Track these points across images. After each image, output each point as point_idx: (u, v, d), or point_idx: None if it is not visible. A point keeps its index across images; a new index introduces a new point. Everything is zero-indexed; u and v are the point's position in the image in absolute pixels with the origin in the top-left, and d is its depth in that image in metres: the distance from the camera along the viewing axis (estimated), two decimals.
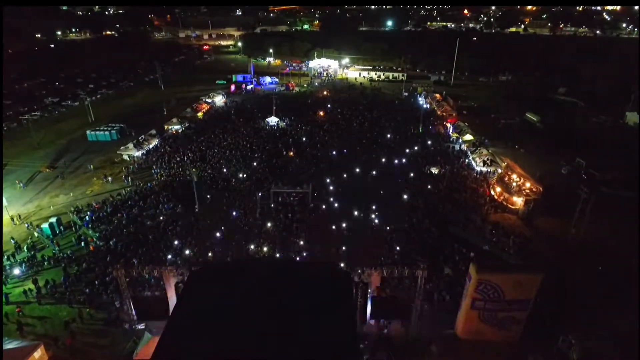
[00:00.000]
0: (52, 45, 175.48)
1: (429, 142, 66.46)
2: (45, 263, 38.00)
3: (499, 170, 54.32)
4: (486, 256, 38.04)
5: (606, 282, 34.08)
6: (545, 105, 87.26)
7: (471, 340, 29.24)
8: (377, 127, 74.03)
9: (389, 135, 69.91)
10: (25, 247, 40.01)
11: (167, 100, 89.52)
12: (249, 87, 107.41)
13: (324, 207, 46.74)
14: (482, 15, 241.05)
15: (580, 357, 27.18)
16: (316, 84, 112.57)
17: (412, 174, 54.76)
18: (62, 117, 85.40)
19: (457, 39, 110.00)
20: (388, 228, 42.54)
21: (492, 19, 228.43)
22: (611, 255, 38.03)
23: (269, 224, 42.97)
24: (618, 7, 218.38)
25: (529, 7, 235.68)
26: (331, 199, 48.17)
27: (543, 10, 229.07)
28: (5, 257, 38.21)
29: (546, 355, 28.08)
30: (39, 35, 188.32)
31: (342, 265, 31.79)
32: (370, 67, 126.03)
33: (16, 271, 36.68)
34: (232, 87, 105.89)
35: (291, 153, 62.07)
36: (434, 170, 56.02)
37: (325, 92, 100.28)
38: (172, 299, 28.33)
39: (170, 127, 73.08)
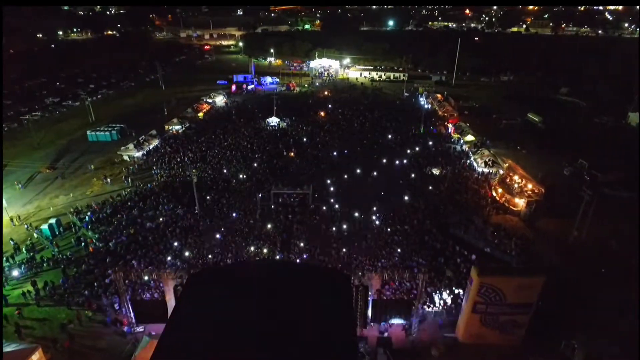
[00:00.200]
0: (53, 45, 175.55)
1: (430, 143, 66.20)
2: (45, 264, 37.86)
3: (501, 171, 53.99)
4: (488, 258, 37.77)
5: (608, 284, 33.77)
6: (547, 106, 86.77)
7: (472, 344, 28.98)
8: (378, 128, 73.76)
9: (390, 136, 69.64)
10: (24, 249, 39.90)
11: (168, 101, 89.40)
12: (250, 87, 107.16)
13: (324, 208, 46.49)
14: (483, 15, 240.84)
15: None
16: (317, 84, 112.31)
17: (413, 175, 54.51)
18: (62, 117, 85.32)
19: (459, 39, 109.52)
20: (389, 230, 42.30)
21: (493, 19, 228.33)
22: (613, 257, 37.72)
23: (269, 225, 42.76)
24: (620, 7, 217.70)
25: (531, 7, 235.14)
26: (332, 200, 47.93)
27: (545, 10, 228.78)
28: (5, 258, 38.08)
29: (548, 359, 27.83)
30: (40, 35, 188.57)
31: (343, 267, 31.61)
32: (372, 67, 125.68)
33: (15, 273, 36.50)
34: (233, 87, 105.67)
35: (292, 154, 61.86)
36: (435, 171, 55.75)
37: (326, 92, 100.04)
38: (171, 302, 28.15)
39: (170, 128, 72.91)
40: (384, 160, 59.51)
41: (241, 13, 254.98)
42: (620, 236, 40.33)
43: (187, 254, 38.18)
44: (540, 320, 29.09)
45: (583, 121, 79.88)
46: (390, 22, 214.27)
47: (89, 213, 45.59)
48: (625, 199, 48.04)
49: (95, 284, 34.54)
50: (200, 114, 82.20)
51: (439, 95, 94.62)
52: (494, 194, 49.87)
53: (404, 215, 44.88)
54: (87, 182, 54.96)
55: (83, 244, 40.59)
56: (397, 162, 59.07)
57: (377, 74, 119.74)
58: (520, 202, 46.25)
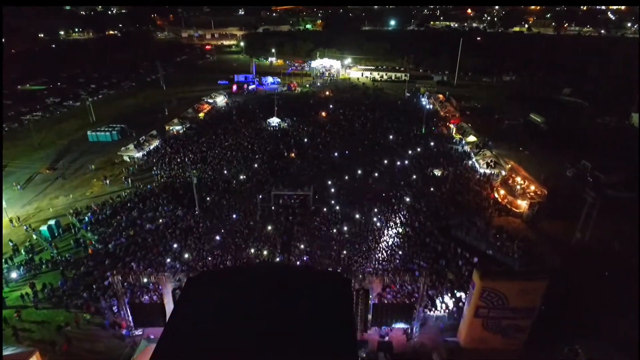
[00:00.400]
0: (54, 45, 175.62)
1: (432, 144, 65.80)
2: (43, 266, 37.65)
3: (503, 173, 53.57)
4: (490, 261, 37.37)
5: (611, 287, 33.38)
6: (549, 106, 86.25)
7: (474, 348, 28.64)
8: (379, 128, 73.40)
9: (391, 137, 69.27)
10: (23, 250, 39.68)
11: (169, 101, 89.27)
12: (251, 87, 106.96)
13: (325, 209, 46.17)
14: (485, 15, 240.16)
15: None
16: (318, 84, 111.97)
17: (414, 176, 54.13)
18: (63, 117, 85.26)
19: (461, 39, 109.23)
20: (390, 232, 41.93)
21: (495, 19, 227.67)
22: (616, 259, 37.32)
23: (269, 227, 42.46)
24: (623, 7, 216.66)
25: (533, 7, 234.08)
26: (332, 202, 47.61)
27: (547, 9, 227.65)
28: (3, 260, 37.85)
29: None
30: (42, 35, 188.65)
31: (343, 270, 31.30)
32: (373, 67, 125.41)
33: (14, 274, 36.28)
34: (234, 88, 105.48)
35: (293, 154, 61.55)
36: (437, 172, 55.35)
37: (327, 93, 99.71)
38: (169, 305, 27.89)
39: (171, 128, 72.71)
40: (385, 161, 59.13)
41: (243, 13, 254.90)
42: (623, 237, 39.89)
43: (186, 255, 37.91)
44: (542, 323, 28.68)
45: (586, 122, 79.27)
46: (392, 22, 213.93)
47: (88, 214, 45.39)
48: (627, 200, 47.58)
49: (94, 286, 34.29)
50: (201, 114, 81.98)
51: (440, 96, 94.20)
52: (496, 195, 49.45)
53: (405, 216, 44.52)
54: (87, 182, 54.78)
55: (82, 245, 40.36)
56: (399, 162, 58.67)
57: (378, 74, 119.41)
58: (523, 204, 45.86)
